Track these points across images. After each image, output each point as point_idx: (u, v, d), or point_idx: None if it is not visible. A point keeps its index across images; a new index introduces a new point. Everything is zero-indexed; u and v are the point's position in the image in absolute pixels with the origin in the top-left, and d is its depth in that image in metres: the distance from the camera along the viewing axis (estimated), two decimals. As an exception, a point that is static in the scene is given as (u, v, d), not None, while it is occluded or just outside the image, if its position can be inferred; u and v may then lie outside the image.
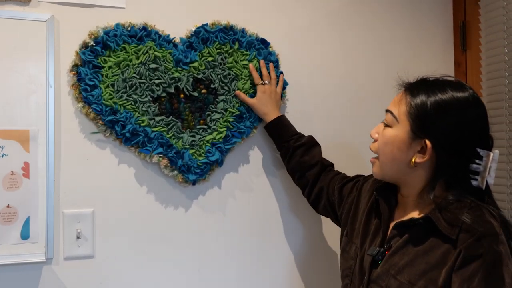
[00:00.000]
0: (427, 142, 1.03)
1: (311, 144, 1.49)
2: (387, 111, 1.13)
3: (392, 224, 1.13)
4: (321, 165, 1.47)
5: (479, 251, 0.95)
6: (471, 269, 0.94)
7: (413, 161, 1.06)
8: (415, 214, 1.09)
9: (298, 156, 1.47)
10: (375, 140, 1.15)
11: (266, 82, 1.52)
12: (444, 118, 1.03)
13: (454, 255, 0.97)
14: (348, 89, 1.72)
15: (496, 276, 0.93)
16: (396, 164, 1.09)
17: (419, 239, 1.04)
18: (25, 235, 1.36)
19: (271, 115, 1.51)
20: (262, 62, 1.54)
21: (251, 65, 1.53)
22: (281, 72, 1.58)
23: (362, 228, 1.20)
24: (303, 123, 1.62)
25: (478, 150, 1.03)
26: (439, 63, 1.82)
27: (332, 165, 1.51)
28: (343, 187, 1.38)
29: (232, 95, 1.52)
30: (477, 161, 1.03)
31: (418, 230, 1.05)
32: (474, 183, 1.03)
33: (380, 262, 1.09)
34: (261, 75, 1.53)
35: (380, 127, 1.14)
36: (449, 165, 1.04)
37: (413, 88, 1.09)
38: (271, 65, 1.55)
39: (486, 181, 1.04)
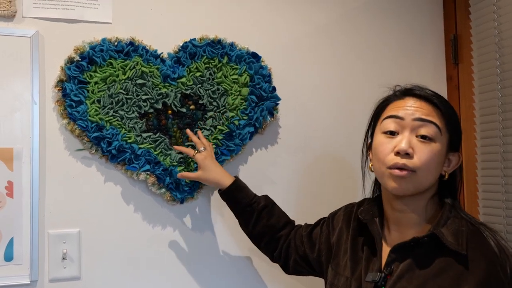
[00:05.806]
0: (459, 155, 1.06)
1: (271, 203, 1.39)
2: (428, 121, 1.01)
3: (384, 246, 1.08)
4: (291, 225, 1.38)
5: (497, 278, 0.93)
6: None
7: (447, 174, 1.06)
8: (411, 232, 1.04)
9: (264, 219, 1.35)
10: (409, 155, 1.00)
11: (202, 149, 1.40)
12: (460, 129, 1.08)
13: (474, 279, 0.93)
14: (341, 103, 1.70)
15: None
16: (430, 179, 1.03)
17: (424, 261, 0.99)
18: (8, 257, 1.33)
19: (225, 180, 1.37)
20: (188, 131, 1.44)
21: (175, 146, 1.44)
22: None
23: (350, 257, 1.14)
24: (296, 138, 1.62)
25: None
26: (431, 77, 1.81)
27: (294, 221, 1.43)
28: (311, 233, 1.31)
29: (221, 112, 1.50)
30: None
31: (421, 251, 1.00)
32: None
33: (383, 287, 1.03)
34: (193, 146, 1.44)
35: (411, 140, 1.01)
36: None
37: (436, 99, 1.05)
38: (199, 132, 1.45)
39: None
